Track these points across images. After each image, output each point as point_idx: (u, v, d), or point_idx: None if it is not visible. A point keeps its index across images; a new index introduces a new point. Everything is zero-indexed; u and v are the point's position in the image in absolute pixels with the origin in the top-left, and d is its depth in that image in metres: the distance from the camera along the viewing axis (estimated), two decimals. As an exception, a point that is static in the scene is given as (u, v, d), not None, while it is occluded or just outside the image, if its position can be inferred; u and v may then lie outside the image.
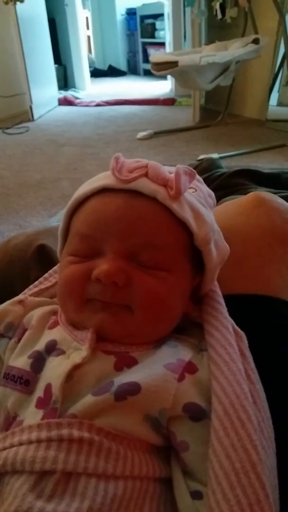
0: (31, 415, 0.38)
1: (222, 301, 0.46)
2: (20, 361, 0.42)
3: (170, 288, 0.41)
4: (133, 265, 0.40)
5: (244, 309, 0.50)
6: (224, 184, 1.12)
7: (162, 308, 0.41)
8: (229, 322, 0.44)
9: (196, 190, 0.46)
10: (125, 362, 0.39)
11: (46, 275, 0.55)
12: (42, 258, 0.70)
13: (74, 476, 0.33)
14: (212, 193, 0.49)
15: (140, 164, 0.43)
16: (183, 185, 0.41)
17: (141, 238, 0.40)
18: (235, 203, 0.62)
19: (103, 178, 0.44)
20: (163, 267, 0.41)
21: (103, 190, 0.43)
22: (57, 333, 0.43)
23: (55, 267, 0.55)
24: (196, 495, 0.35)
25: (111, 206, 0.41)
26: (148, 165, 0.43)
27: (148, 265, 0.41)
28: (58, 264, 0.55)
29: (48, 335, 0.43)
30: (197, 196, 0.45)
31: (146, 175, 0.42)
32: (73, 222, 0.45)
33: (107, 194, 0.42)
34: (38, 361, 0.41)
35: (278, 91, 2.98)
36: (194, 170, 0.43)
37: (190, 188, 0.45)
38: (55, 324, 0.45)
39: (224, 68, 2.33)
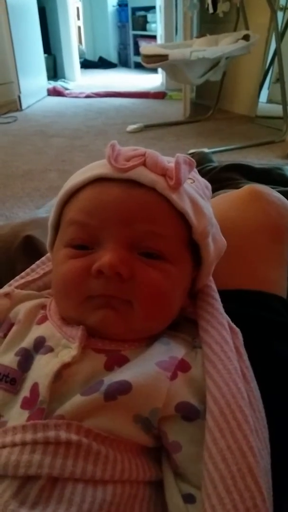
0: (16, 416, 0.36)
1: (217, 296, 0.45)
2: (7, 358, 0.40)
3: (173, 281, 0.40)
4: (135, 256, 0.38)
5: (239, 304, 0.48)
6: (216, 178, 1.11)
7: (164, 302, 0.40)
8: (225, 318, 0.42)
9: (194, 181, 0.44)
10: (116, 361, 0.38)
11: (33, 266, 0.53)
12: (29, 250, 0.68)
13: (61, 482, 0.32)
14: (209, 185, 0.48)
15: (137, 152, 0.41)
16: (183, 175, 0.39)
17: (144, 225, 0.38)
18: (230, 196, 0.61)
19: (98, 167, 0.41)
20: (166, 257, 0.39)
21: (98, 180, 0.40)
22: (46, 329, 0.41)
23: (43, 258, 0.53)
24: (189, 499, 0.34)
25: (109, 194, 0.39)
26: (146, 154, 0.40)
27: (151, 254, 0.39)
28: (46, 256, 0.53)
29: (36, 331, 0.41)
30: (195, 187, 0.44)
31: (144, 164, 0.40)
32: (66, 213, 0.43)
33: (103, 184, 0.40)
34: (26, 359, 0.39)
35: (268, 88, 2.98)
36: (193, 160, 0.41)
37: (188, 179, 0.43)
38: (44, 319, 0.43)
39: (214, 64, 2.30)
